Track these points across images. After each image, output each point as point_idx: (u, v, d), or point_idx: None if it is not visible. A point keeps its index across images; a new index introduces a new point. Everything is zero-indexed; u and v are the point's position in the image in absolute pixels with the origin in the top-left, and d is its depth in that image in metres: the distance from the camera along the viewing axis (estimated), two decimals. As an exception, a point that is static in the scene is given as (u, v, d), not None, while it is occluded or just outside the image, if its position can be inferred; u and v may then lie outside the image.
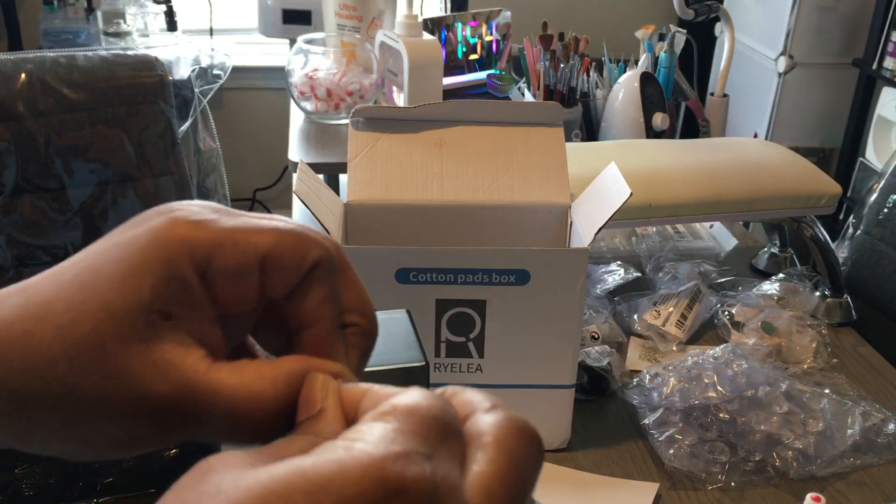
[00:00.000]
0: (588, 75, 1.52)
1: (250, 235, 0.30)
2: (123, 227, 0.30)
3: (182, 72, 2.15)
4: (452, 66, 1.73)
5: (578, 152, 1.06)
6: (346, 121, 1.37)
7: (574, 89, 1.51)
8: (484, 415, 0.27)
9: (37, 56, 1.10)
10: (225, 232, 0.30)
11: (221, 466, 0.24)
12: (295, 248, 0.30)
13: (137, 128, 1.11)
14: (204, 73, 2.20)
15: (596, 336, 0.99)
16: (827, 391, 0.90)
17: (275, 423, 0.29)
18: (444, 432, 0.25)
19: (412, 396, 0.26)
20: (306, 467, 0.23)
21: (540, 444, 0.27)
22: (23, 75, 1.07)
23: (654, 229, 1.28)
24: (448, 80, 1.66)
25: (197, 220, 0.30)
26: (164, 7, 2.52)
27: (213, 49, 2.29)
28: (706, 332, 1.07)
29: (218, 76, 2.22)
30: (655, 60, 1.48)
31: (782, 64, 2.54)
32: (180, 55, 2.21)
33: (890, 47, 2.38)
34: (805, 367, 0.99)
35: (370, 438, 0.24)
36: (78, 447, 0.30)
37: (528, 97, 1.60)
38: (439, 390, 0.28)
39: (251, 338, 0.34)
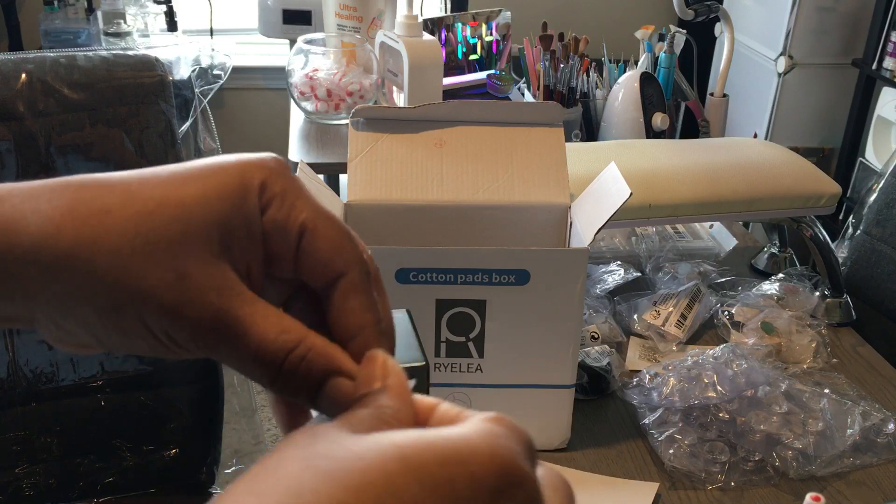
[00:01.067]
0: (588, 75, 1.52)
1: (305, 205, 0.32)
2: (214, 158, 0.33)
3: (182, 72, 2.15)
4: (452, 66, 1.73)
5: (578, 152, 1.06)
6: (346, 121, 1.38)
7: (574, 89, 1.52)
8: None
9: (37, 56, 1.10)
10: (293, 189, 0.32)
11: (327, 433, 0.26)
12: (331, 240, 0.32)
13: (138, 128, 1.11)
14: (204, 74, 2.20)
15: (596, 336, 0.99)
16: (826, 391, 0.90)
17: (287, 377, 0.31)
18: (534, 455, 0.27)
19: (498, 429, 0.27)
20: (435, 438, 0.25)
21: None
22: (23, 75, 1.07)
23: (654, 229, 1.28)
24: (448, 80, 1.66)
25: (282, 167, 0.32)
26: (164, 7, 2.52)
27: (213, 49, 2.29)
28: (706, 332, 1.07)
29: (218, 76, 2.22)
30: (655, 60, 1.48)
31: (782, 64, 2.54)
32: (181, 55, 2.21)
33: (889, 47, 2.38)
34: (805, 367, 0.99)
35: (489, 429, 0.26)
36: (107, 333, 0.31)
37: (528, 97, 1.60)
38: None
39: None
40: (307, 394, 0.31)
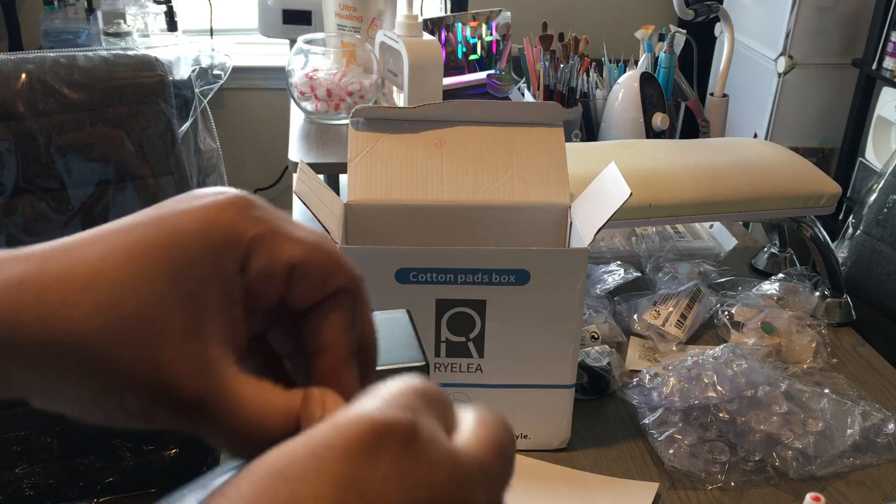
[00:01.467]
0: (588, 75, 1.52)
1: (287, 241, 0.30)
2: (172, 202, 0.30)
3: (182, 72, 2.16)
4: (452, 66, 1.73)
5: (578, 152, 1.06)
6: (346, 121, 1.37)
7: (574, 89, 1.52)
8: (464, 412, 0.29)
9: (37, 56, 1.10)
10: (268, 230, 0.30)
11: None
12: (323, 268, 0.31)
13: (138, 128, 1.11)
14: (204, 74, 2.20)
15: (596, 336, 0.99)
16: (826, 391, 0.90)
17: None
18: (427, 398, 0.27)
19: (395, 381, 0.28)
20: (305, 436, 0.25)
21: (514, 449, 0.29)
22: (23, 75, 1.07)
23: (654, 229, 1.28)
24: (448, 80, 1.66)
25: (247, 207, 0.30)
26: (164, 7, 2.52)
27: (213, 49, 2.29)
28: (706, 332, 1.07)
29: (218, 76, 2.22)
30: (655, 60, 1.48)
31: (782, 64, 2.54)
32: (181, 55, 2.21)
33: (889, 47, 2.38)
34: (805, 366, 0.99)
35: (356, 405, 0.26)
36: (90, 411, 0.30)
37: (528, 97, 1.60)
38: None
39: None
40: None
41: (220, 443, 0.30)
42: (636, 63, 1.54)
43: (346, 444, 0.25)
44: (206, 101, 2.20)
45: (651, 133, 1.41)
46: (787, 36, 2.52)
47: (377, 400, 0.26)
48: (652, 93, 1.41)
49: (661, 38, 1.52)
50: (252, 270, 0.30)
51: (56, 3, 2.50)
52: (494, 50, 1.79)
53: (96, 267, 0.28)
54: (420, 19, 1.54)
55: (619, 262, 1.14)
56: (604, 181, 0.80)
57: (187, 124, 2.14)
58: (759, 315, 1.03)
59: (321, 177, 0.97)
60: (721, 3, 1.41)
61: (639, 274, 1.14)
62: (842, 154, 2.63)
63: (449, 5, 2.71)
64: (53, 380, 0.28)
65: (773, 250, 1.24)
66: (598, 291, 1.09)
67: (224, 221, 0.29)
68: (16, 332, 0.28)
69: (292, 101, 1.66)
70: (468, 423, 0.28)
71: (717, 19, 1.44)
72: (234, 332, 0.30)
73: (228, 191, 0.30)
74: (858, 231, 1.28)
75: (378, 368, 0.35)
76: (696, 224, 1.31)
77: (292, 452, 0.25)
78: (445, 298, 0.78)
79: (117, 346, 0.28)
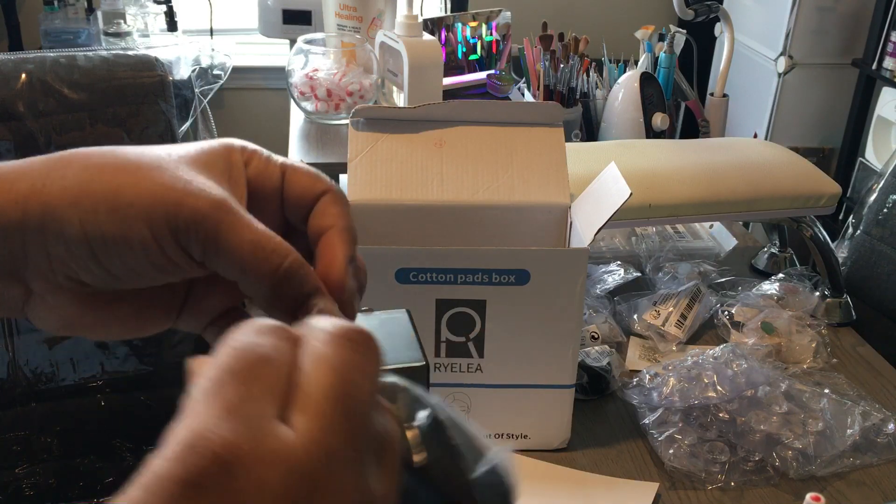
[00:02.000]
0: (588, 75, 1.52)
1: (278, 160, 0.38)
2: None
3: (182, 72, 2.15)
4: (452, 66, 1.73)
5: (578, 152, 1.06)
6: (346, 121, 1.37)
7: (574, 89, 1.52)
8: (315, 328, 0.29)
9: (37, 56, 1.10)
10: (266, 152, 0.38)
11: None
12: (308, 172, 0.37)
13: (138, 128, 1.11)
14: (204, 74, 2.20)
15: (596, 336, 0.99)
16: (826, 391, 0.90)
17: (277, 288, 0.34)
18: (250, 374, 0.26)
19: (223, 349, 0.27)
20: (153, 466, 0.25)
21: (371, 345, 0.29)
22: (23, 76, 1.07)
23: (654, 229, 1.28)
24: (448, 80, 1.66)
25: (252, 144, 0.38)
26: (164, 7, 2.52)
27: (213, 49, 2.29)
28: (706, 332, 1.07)
29: (218, 76, 2.22)
30: (655, 60, 1.48)
31: (782, 64, 2.54)
32: (181, 55, 2.21)
33: (889, 47, 2.38)
34: (804, 366, 0.99)
35: (188, 414, 0.26)
36: (108, 257, 0.33)
37: (528, 97, 1.60)
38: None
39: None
40: (290, 309, 0.33)
41: (228, 269, 0.33)
42: (636, 63, 1.54)
43: (181, 482, 0.24)
44: (206, 101, 2.20)
45: (651, 133, 1.41)
46: (787, 36, 2.52)
47: (196, 408, 0.25)
48: (652, 93, 1.41)
49: (661, 38, 1.52)
50: (253, 168, 0.37)
51: (56, 3, 2.50)
52: (494, 50, 1.79)
53: (147, 150, 0.35)
54: (420, 19, 1.54)
55: (619, 262, 1.14)
56: (604, 181, 0.80)
57: (187, 124, 2.14)
58: (759, 315, 1.03)
59: (321, 177, 0.97)
60: (721, 3, 1.41)
61: (639, 274, 1.14)
62: (842, 154, 2.63)
63: (449, 5, 2.71)
64: (93, 203, 0.32)
65: (773, 250, 1.24)
66: (598, 291, 1.09)
67: (236, 143, 0.37)
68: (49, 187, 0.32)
69: (292, 101, 1.66)
70: (308, 387, 0.27)
71: (717, 19, 1.44)
72: (241, 198, 0.35)
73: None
74: (858, 231, 1.28)
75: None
76: (696, 224, 1.31)
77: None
78: (445, 298, 0.78)
79: (162, 168, 0.33)
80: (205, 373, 0.26)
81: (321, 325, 0.29)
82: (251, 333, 0.28)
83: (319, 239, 0.36)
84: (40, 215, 0.32)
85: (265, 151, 0.38)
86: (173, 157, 0.34)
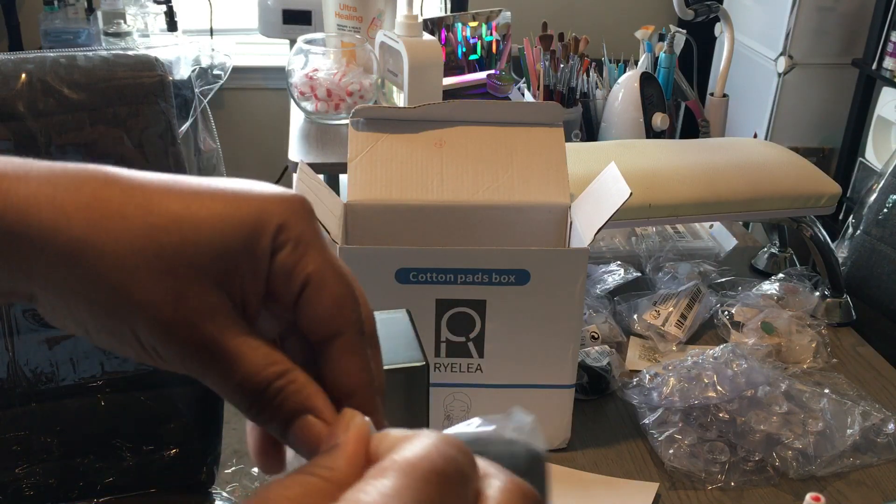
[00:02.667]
0: (588, 75, 1.52)
1: (317, 254, 0.32)
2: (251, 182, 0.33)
3: (182, 72, 2.15)
4: (452, 66, 1.73)
5: (578, 152, 1.06)
6: (346, 121, 1.37)
7: (574, 89, 1.52)
8: (492, 479, 0.27)
9: (37, 56, 1.10)
10: (308, 236, 0.32)
11: None
12: (333, 299, 0.32)
13: (138, 128, 1.11)
14: (204, 74, 2.20)
15: (596, 336, 0.99)
16: (826, 391, 0.90)
17: (263, 406, 0.31)
18: (448, 485, 0.25)
19: (414, 449, 0.26)
20: None
21: None
22: (23, 76, 1.07)
23: (654, 229, 1.28)
24: (448, 80, 1.66)
25: (304, 208, 0.32)
26: (164, 7, 2.52)
27: (213, 49, 2.29)
28: (706, 332, 1.07)
29: (218, 76, 2.22)
30: (655, 60, 1.48)
31: (782, 64, 2.54)
32: (181, 55, 2.21)
33: (889, 47, 2.38)
34: (804, 366, 0.99)
35: (366, 499, 0.24)
36: (97, 332, 0.31)
37: (528, 97, 1.60)
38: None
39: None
40: (278, 426, 0.31)
41: (218, 389, 0.31)
42: (636, 63, 1.54)
43: None
44: (206, 101, 2.20)
45: (651, 133, 1.41)
46: (787, 36, 2.51)
47: (386, 495, 0.24)
48: (652, 93, 1.41)
49: (661, 38, 1.52)
50: (279, 262, 0.31)
51: (56, 3, 2.50)
52: (494, 50, 1.79)
53: (155, 198, 0.31)
54: (420, 19, 1.54)
55: (619, 262, 1.14)
56: (604, 181, 0.80)
57: (187, 124, 2.14)
58: (759, 315, 1.03)
59: (321, 177, 0.97)
60: (721, 3, 1.41)
61: (639, 274, 1.14)
62: (842, 154, 2.62)
63: (449, 5, 2.71)
64: (79, 282, 0.30)
65: (773, 250, 1.24)
66: (598, 291, 1.09)
67: (280, 208, 0.31)
68: (61, 231, 0.30)
69: (292, 101, 1.66)
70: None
71: (717, 19, 1.44)
72: (250, 303, 0.32)
73: (295, 194, 0.33)
74: (858, 231, 1.28)
75: None
76: (696, 224, 1.31)
77: None
78: (445, 298, 0.78)
79: (151, 270, 0.30)
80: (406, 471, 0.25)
81: (499, 474, 0.27)
82: (444, 445, 0.26)
83: (346, 400, 0.32)
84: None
85: (306, 237, 0.32)
86: (177, 264, 0.30)
